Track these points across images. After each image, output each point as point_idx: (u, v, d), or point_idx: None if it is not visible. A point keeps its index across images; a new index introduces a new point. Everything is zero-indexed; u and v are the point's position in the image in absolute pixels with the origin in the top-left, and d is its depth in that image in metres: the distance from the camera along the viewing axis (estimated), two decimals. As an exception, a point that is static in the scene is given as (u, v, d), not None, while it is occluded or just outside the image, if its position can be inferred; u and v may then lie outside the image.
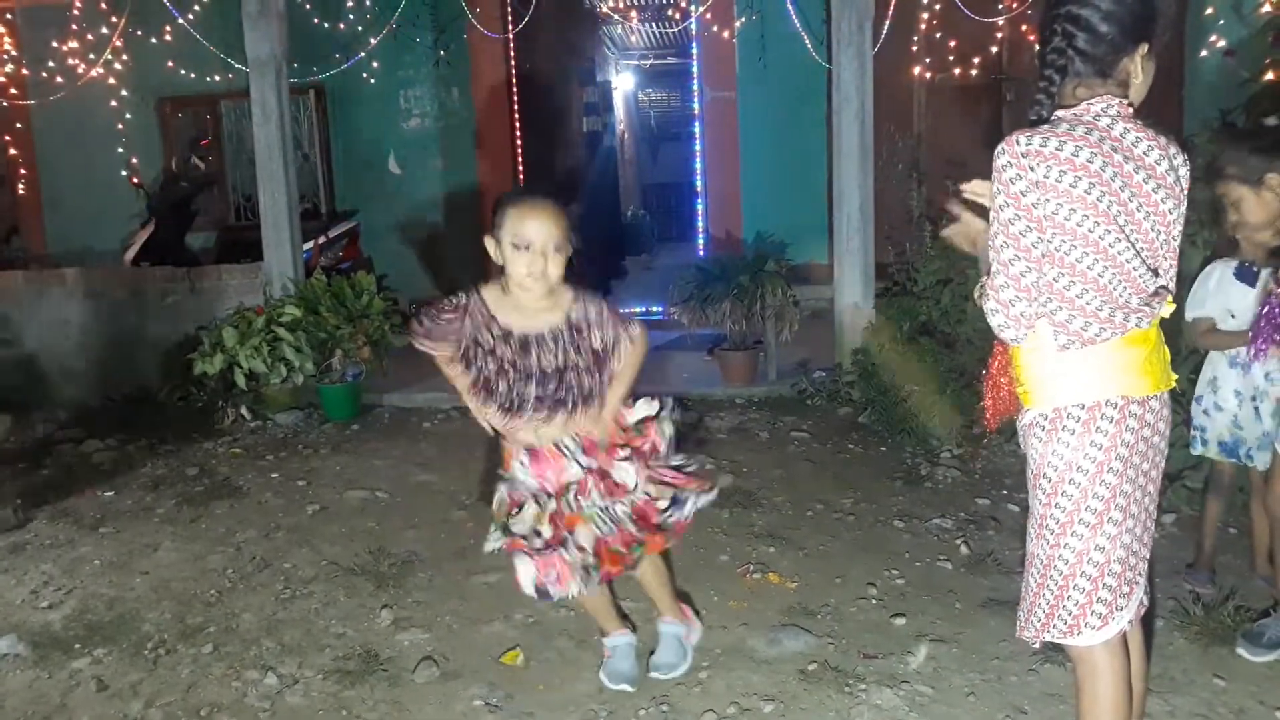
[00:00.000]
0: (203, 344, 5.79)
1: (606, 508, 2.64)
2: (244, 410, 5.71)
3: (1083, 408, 1.98)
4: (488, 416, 2.64)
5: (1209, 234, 3.68)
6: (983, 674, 2.89)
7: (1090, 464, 1.98)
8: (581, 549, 2.60)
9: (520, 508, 2.64)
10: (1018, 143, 1.89)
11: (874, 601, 3.36)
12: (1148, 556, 2.09)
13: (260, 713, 2.84)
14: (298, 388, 5.78)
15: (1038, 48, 2.03)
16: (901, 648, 3.04)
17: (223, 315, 5.98)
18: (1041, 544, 2.06)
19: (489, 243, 2.57)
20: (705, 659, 3.02)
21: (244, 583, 3.68)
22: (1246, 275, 3.05)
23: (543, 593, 2.60)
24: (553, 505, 2.62)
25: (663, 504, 2.68)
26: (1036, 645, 2.15)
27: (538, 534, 2.60)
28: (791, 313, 5.80)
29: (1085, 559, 2.01)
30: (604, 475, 2.65)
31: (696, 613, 3.14)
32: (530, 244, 2.48)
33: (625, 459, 2.66)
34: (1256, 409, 3.11)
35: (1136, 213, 1.93)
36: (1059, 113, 1.95)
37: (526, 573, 2.59)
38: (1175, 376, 2.12)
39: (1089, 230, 1.88)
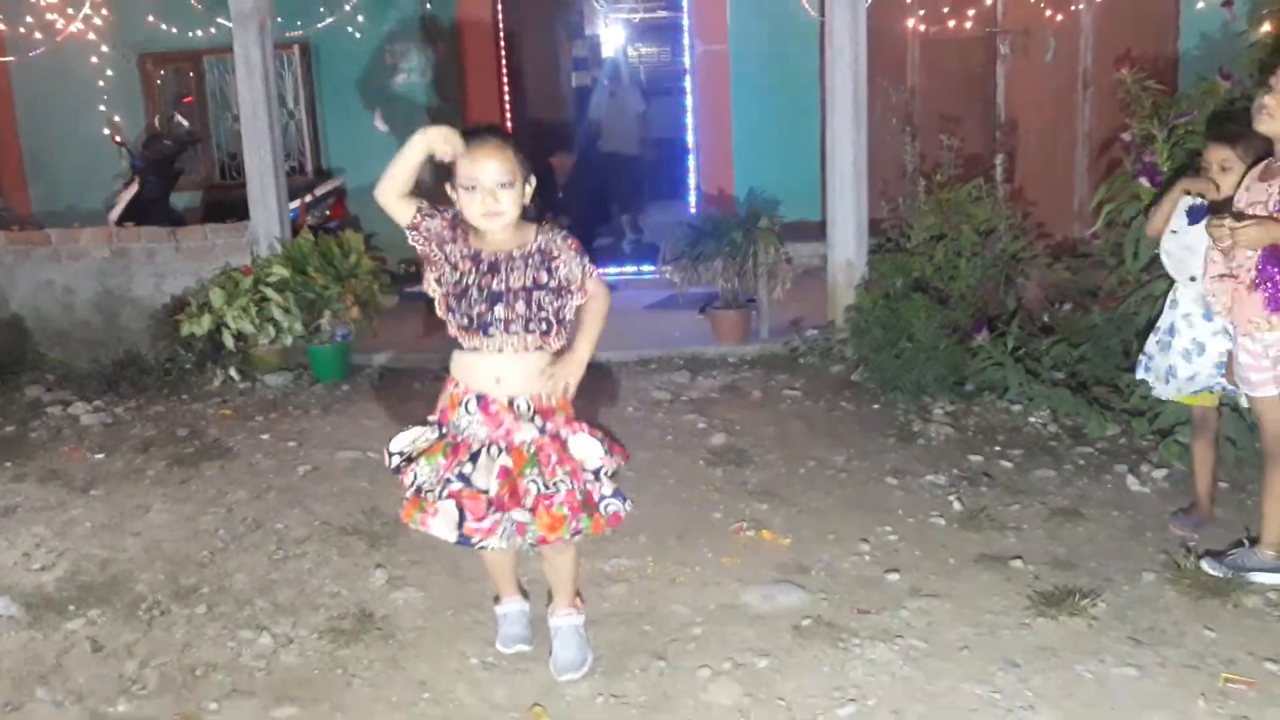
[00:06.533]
0: (190, 304, 5.73)
1: (557, 478, 2.54)
2: (233, 371, 5.67)
3: None
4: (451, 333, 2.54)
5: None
6: (975, 628, 2.91)
7: None
8: (517, 505, 2.50)
9: (437, 453, 2.54)
10: None
11: (867, 558, 3.37)
12: None
13: (255, 672, 2.85)
14: (286, 348, 5.73)
15: None
16: (895, 603, 3.06)
17: (209, 275, 5.90)
18: None
19: (449, 189, 2.53)
20: (700, 615, 3.03)
21: (236, 543, 3.67)
22: (1195, 213, 3.22)
23: (464, 540, 2.51)
24: (505, 459, 2.51)
25: (607, 489, 2.60)
26: None
27: (471, 484, 2.49)
28: (784, 270, 5.76)
29: None
30: (561, 444, 2.58)
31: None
32: (476, 183, 2.45)
33: (586, 432, 2.60)
34: (1187, 350, 3.31)
35: None
36: None
37: (449, 517, 2.49)
38: None
39: None
